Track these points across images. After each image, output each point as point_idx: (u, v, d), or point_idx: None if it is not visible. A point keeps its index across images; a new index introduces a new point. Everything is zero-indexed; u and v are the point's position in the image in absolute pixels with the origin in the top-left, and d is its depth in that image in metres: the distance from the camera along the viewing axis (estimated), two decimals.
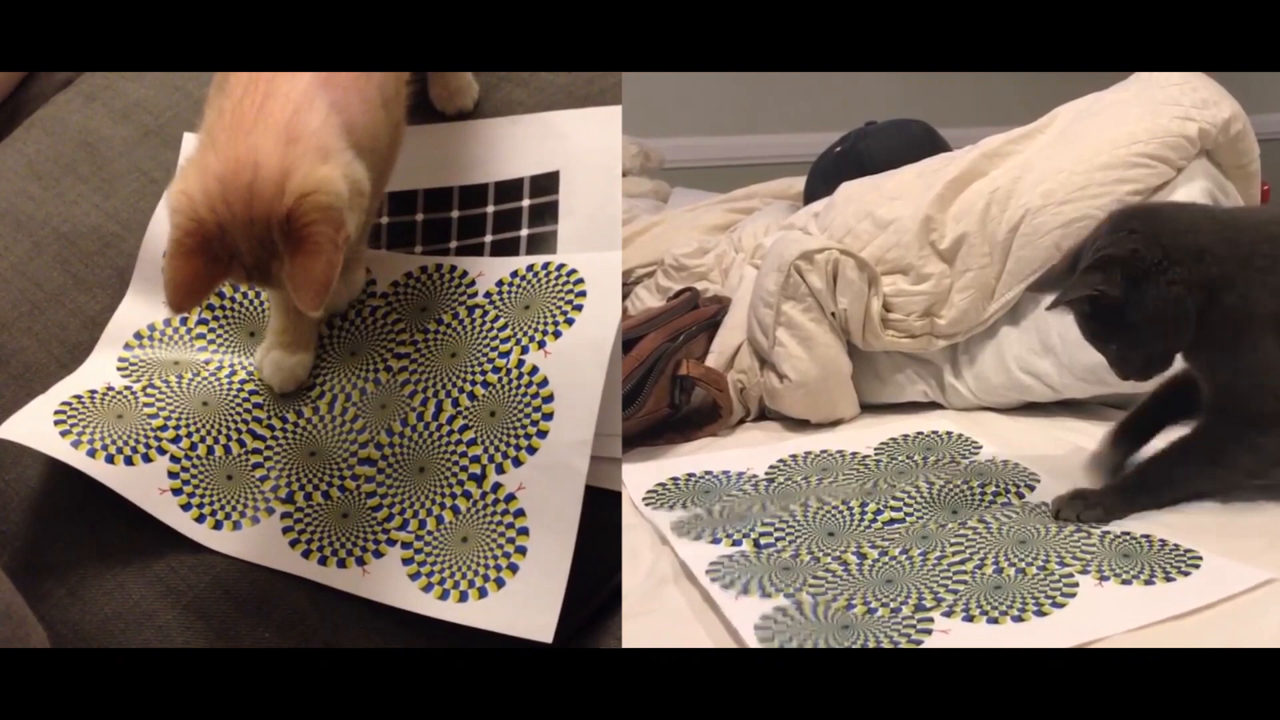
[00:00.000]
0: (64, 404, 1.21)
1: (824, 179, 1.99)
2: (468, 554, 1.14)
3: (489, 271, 1.28)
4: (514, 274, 1.27)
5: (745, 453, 1.49)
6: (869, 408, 1.66)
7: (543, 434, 1.15)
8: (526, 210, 1.33)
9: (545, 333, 1.21)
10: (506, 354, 1.21)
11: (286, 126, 1.06)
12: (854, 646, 1.01)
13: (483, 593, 1.12)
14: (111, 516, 1.17)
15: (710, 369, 1.64)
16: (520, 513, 1.14)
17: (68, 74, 1.54)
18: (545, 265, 1.26)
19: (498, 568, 1.13)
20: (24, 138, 1.46)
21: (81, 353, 1.27)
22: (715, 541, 1.22)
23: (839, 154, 2.08)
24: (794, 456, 1.45)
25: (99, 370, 1.25)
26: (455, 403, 1.20)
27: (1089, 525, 1.18)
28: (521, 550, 1.13)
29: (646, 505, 1.36)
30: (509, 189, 1.35)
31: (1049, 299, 1.23)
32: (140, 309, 1.29)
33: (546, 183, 1.34)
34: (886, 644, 1.01)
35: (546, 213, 1.33)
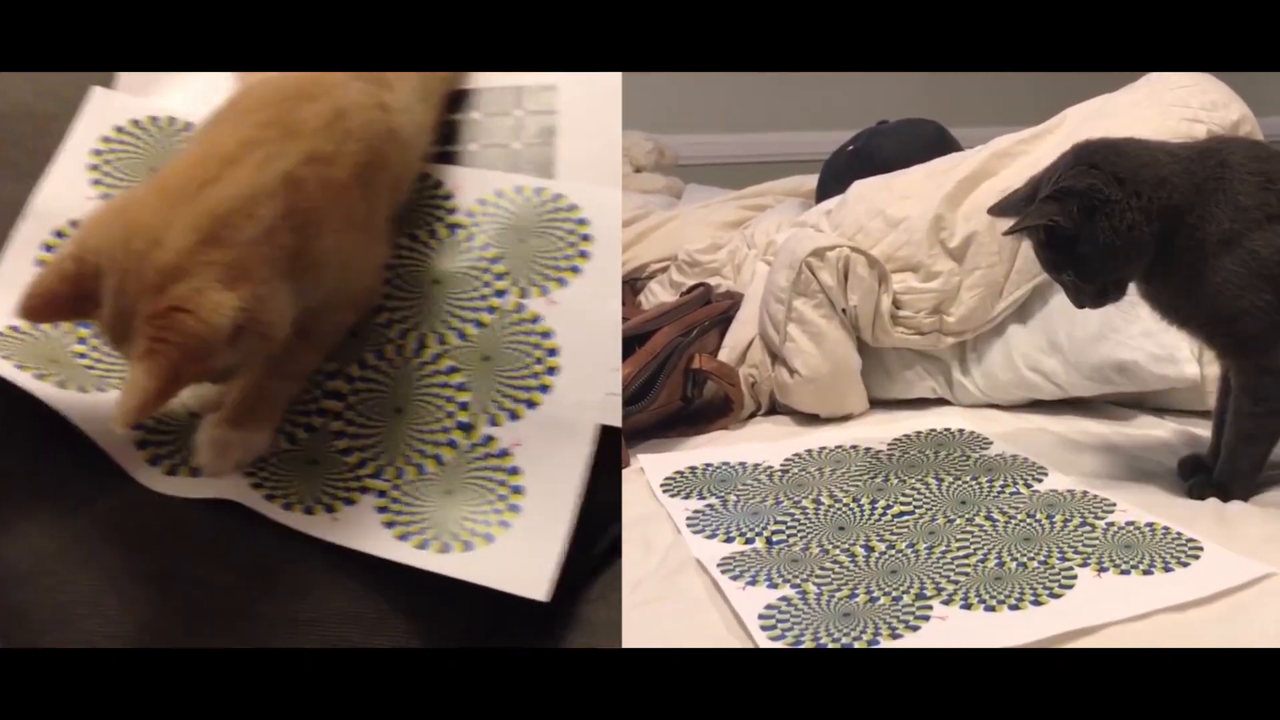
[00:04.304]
0: None
1: (836, 177, 2.00)
2: (452, 507, 1.05)
3: (468, 185, 1.17)
4: (499, 193, 1.16)
5: (759, 447, 1.50)
6: (877, 403, 1.67)
7: (545, 389, 1.08)
8: (519, 121, 1.22)
9: (548, 278, 1.12)
10: (503, 293, 1.12)
11: (220, 221, 0.95)
12: (853, 633, 1.02)
13: (468, 546, 1.02)
14: (51, 448, 1.06)
15: (722, 363, 1.65)
16: (515, 470, 1.06)
17: None
18: (538, 190, 1.16)
19: (486, 523, 1.03)
20: None
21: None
22: (729, 540, 1.23)
23: (851, 152, 2.10)
24: (809, 451, 1.46)
25: None
26: (441, 339, 1.11)
27: (1093, 519, 1.20)
28: (515, 509, 1.05)
29: (664, 492, 1.37)
30: (499, 97, 1.23)
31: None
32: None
33: (543, 98, 1.23)
34: (885, 630, 1.02)
35: (542, 127, 1.20)
